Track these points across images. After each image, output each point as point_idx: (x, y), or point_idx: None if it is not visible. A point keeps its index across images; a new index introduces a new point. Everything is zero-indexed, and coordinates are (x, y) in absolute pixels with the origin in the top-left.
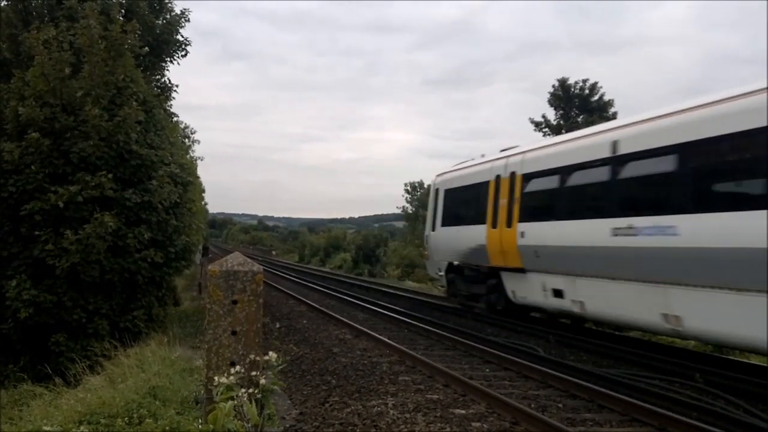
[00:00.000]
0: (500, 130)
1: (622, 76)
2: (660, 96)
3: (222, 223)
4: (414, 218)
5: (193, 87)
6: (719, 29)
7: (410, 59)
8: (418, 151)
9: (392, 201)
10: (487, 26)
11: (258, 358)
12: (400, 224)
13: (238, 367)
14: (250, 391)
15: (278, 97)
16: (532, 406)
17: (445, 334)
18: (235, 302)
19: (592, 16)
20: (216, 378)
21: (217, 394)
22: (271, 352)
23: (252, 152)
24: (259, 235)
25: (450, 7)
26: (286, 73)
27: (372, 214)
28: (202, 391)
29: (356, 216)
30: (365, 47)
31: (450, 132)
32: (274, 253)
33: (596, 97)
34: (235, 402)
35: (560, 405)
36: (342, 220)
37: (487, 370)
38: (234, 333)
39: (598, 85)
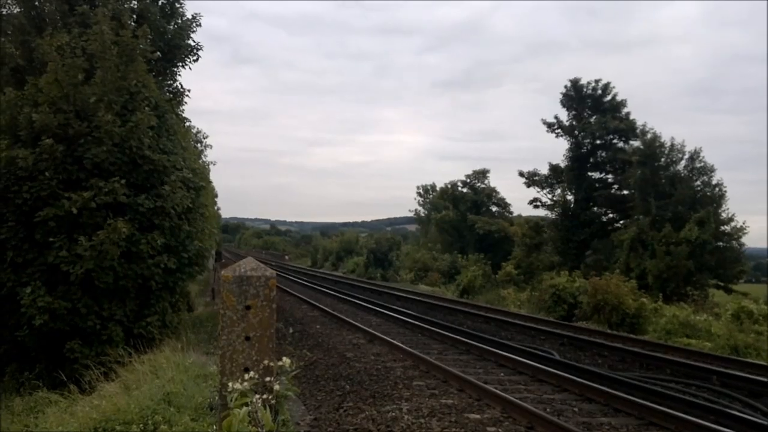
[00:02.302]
0: (511, 132)
1: (633, 76)
2: (669, 96)
3: (235, 228)
4: (426, 221)
5: (205, 91)
6: (729, 28)
7: (419, 61)
8: (429, 153)
9: (404, 204)
10: (495, 27)
11: (272, 364)
12: (412, 227)
13: (252, 373)
14: (264, 396)
15: (288, 101)
16: (548, 410)
17: (458, 338)
18: (248, 308)
19: (600, 16)
20: (230, 384)
21: (231, 401)
22: (285, 358)
23: (263, 156)
24: (272, 239)
25: (457, 8)
26: (296, 77)
27: (385, 217)
28: (217, 398)
29: (369, 219)
30: (374, 50)
31: (461, 134)
32: (287, 257)
33: (609, 98)
34: (250, 408)
35: (576, 409)
36: (354, 224)
37: (502, 374)
38: (248, 338)
39: (611, 85)
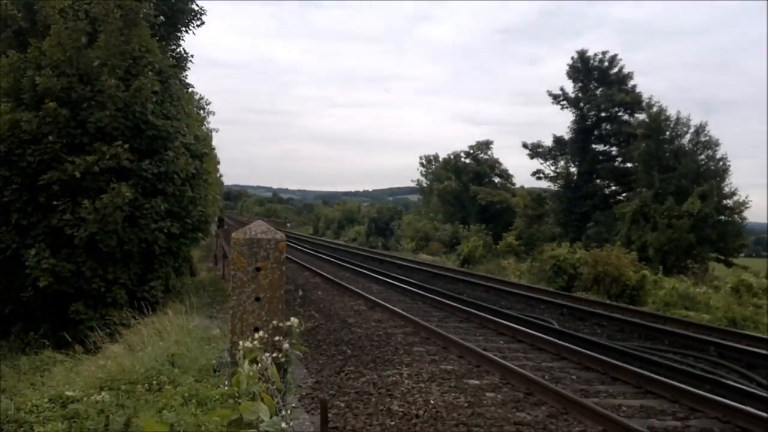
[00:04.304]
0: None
1: None
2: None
3: (237, 196)
4: (429, 191)
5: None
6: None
7: None
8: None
9: (408, 174)
10: None
11: (281, 324)
12: (414, 197)
13: (261, 332)
14: (274, 355)
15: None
16: (546, 377)
17: (459, 306)
18: (258, 269)
19: None
20: (240, 342)
21: (240, 358)
22: (293, 318)
23: (274, 118)
24: (274, 207)
25: None
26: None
27: (386, 187)
28: (227, 356)
29: (371, 189)
30: None
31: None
32: (288, 225)
33: (615, 70)
34: (259, 366)
35: (574, 377)
36: (356, 193)
37: (501, 342)
38: (258, 299)
39: (618, 57)
